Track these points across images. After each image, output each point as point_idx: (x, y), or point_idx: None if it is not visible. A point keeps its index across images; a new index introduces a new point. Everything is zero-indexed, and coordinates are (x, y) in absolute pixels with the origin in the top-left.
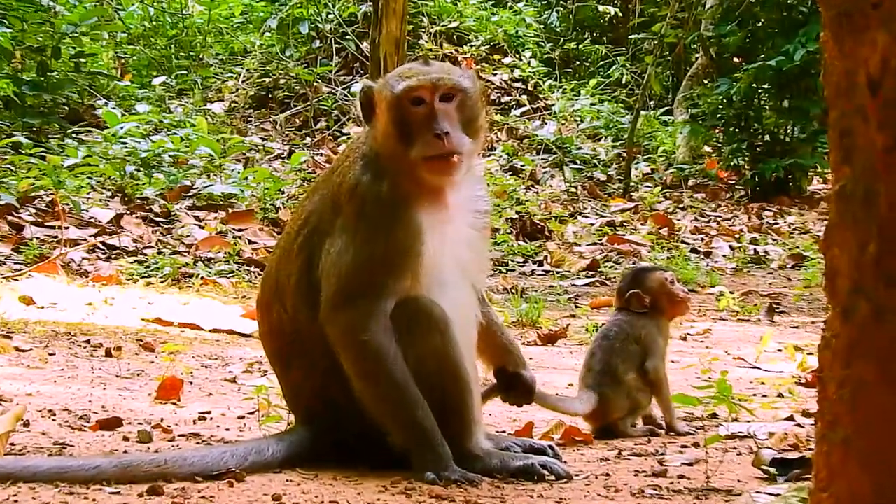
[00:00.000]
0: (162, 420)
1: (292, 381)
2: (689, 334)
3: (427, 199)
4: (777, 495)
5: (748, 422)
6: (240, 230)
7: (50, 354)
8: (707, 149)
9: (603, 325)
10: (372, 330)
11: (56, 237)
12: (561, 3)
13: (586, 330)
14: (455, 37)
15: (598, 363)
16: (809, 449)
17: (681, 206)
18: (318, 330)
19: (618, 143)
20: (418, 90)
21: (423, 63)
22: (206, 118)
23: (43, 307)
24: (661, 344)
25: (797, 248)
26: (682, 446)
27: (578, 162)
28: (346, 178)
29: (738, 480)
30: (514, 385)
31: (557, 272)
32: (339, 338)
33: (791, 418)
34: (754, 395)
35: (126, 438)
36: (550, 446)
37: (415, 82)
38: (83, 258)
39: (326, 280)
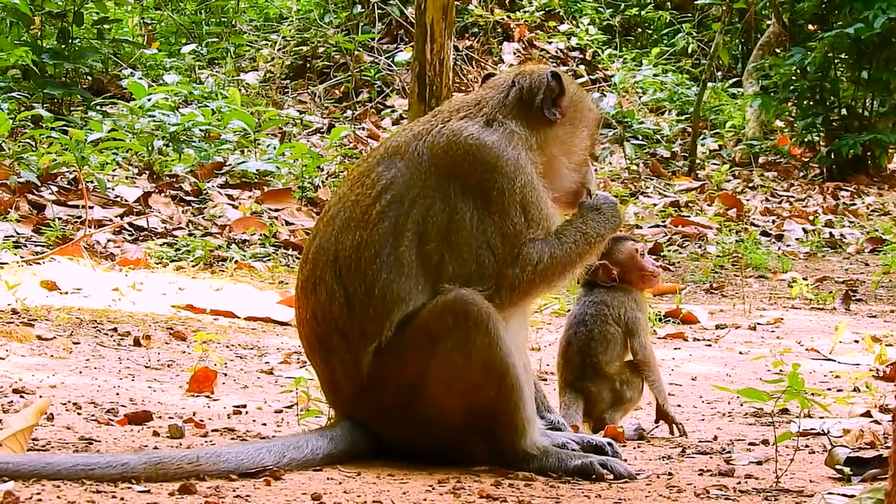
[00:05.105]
0: (194, 414)
1: (333, 368)
2: (759, 324)
3: None
4: (851, 496)
5: (821, 418)
6: (276, 210)
7: (74, 343)
8: (779, 123)
9: (570, 309)
10: None
11: (80, 217)
12: None
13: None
14: (507, 2)
15: (576, 355)
16: (887, 447)
17: (750, 185)
18: (382, 299)
19: (683, 118)
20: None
21: None
22: (240, 89)
23: (66, 293)
24: (643, 319)
25: (876, 230)
26: (751, 444)
27: (640, 137)
28: (458, 138)
29: (810, 481)
30: None
31: None
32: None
33: (868, 414)
34: (828, 389)
35: (156, 433)
36: (609, 443)
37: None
38: (109, 240)
39: (466, 248)
